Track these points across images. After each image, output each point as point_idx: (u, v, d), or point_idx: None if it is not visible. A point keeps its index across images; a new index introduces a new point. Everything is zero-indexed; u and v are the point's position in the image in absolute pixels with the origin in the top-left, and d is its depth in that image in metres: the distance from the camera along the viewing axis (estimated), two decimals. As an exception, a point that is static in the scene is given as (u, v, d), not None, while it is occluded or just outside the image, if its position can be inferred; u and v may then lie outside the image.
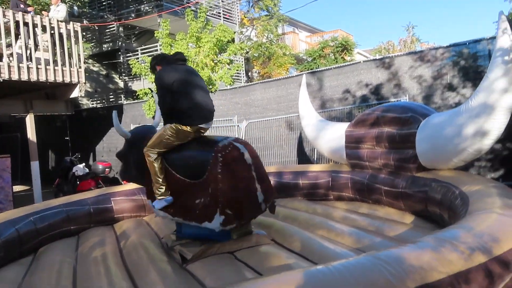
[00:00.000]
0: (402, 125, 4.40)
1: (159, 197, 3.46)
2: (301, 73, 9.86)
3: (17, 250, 3.73)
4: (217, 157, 3.17)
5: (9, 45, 8.30)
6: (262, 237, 3.56)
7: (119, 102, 14.71)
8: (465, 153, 3.78)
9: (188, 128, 3.36)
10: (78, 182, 8.62)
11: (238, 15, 17.44)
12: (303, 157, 8.49)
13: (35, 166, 9.37)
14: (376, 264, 1.58)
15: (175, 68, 3.44)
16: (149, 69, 11.26)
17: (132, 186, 5.51)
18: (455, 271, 1.59)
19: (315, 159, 8.12)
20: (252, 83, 10.19)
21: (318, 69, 8.84)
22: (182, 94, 3.33)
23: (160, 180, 3.41)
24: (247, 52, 17.41)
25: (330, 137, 5.40)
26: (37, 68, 8.51)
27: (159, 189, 3.43)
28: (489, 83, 3.58)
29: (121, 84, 16.01)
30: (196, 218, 3.27)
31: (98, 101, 15.99)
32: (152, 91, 11.11)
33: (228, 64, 11.89)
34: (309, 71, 9.49)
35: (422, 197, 3.91)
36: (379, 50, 21.62)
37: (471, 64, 6.70)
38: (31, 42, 8.38)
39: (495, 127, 3.58)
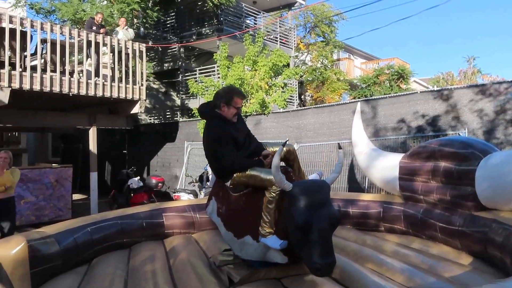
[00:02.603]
0: (461, 160, 4.21)
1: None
2: (354, 100, 9.78)
3: (74, 259, 3.88)
4: None
5: (80, 62, 8.98)
6: (309, 265, 3.52)
7: (175, 119, 15.30)
8: (530, 195, 3.55)
9: None
10: (132, 195, 9.01)
11: (294, 40, 17.71)
12: (354, 184, 8.33)
13: (94, 176, 9.92)
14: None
15: None
16: (205, 89, 11.71)
17: (183, 202, 5.67)
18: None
19: (365, 187, 7.94)
20: (305, 107, 10.24)
21: (373, 97, 8.73)
22: None
23: None
24: (301, 76, 17.55)
25: (383, 167, 5.28)
26: (103, 84, 9.11)
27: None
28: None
29: (178, 102, 16.68)
30: None
31: (156, 117, 16.72)
32: None
33: (282, 87, 12.07)
34: (363, 98, 9.39)
35: (481, 238, 3.70)
36: (437, 80, 20.99)
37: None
38: (99, 60, 9.02)
39: None
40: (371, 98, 8.78)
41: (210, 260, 3.91)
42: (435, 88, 7.76)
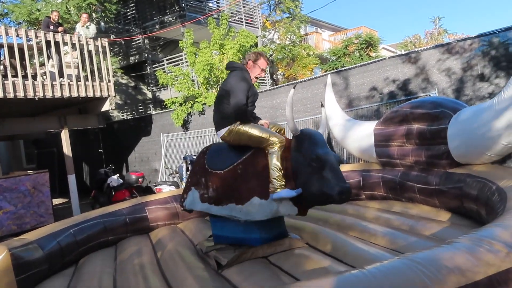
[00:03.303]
0: (432, 120, 4.31)
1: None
2: (325, 73, 9.81)
3: (59, 262, 3.85)
4: None
5: (42, 64, 8.67)
6: (295, 240, 3.58)
7: (148, 112, 15.06)
8: (499, 147, 3.66)
9: None
10: (113, 193, 8.90)
11: (260, 19, 17.53)
12: (332, 157, 8.42)
13: (72, 179, 9.73)
14: (411, 267, 1.57)
15: None
16: (174, 79, 11.51)
17: (164, 194, 5.64)
18: (493, 271, 1.56)
19: (344, 158, 8.05)
20: (276, 86, 10.22)
21: (343, 68, 8.76)
22: None
23: None
24: (270, 55, 17.45)
25: (358, 136, 5.35)
26: (69, 85, 8.85)
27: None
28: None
29: (149, 95, 16.40)
30: None
31: (128, 113, 16.42)
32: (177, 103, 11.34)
33: (252, 68, 11.98)
34: (334, 70, 9.41)
35: (457, 194, 3.82)
36: (405, 45, 21.21)
37: (502, 53, 6.49)
38: (62, 60, 8.73)
39: (530, 118, 3.45)
40: (341, 69, 8.81)
41: (196, 248, 3.91)
42: (403, 52, 7.84)
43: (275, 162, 3.22)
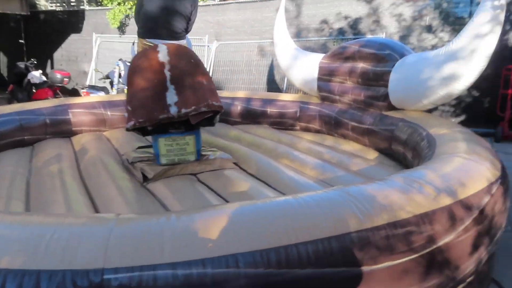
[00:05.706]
0: (378, 61, 4.29)
1: None
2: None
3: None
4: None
5: None
6: (226, 160, 3.52)
7: (81, 7, 13.55)
8: (436, 96, 3.76)
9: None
10: (34, 90, 8.13)
11: None
12: (273, 85, 8.35)
13: (-16, 68, 8.69)
14: (345, 199, 1.55)
15: None
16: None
17: (92, 98, 5.23)
18: (421, 211, 1.60)
19: (284, 88, 8.02)
20: (226, 2, 9.60)
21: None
22: None
23: None
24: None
25: (303, 68, 5.25)
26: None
27: None
28: (473, 28, 3.47)
29: (84, -13, 14.65)
30: None
31: (58, 4, 14.65)
32: None
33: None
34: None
35: (387, 136, 3.94)
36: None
37: (452, 8, 6.60)
38: None
39: (470, 73, 3.54)
40: (296, -5, 8.43)
41: (122, 158, 3.73)
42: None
43: None
